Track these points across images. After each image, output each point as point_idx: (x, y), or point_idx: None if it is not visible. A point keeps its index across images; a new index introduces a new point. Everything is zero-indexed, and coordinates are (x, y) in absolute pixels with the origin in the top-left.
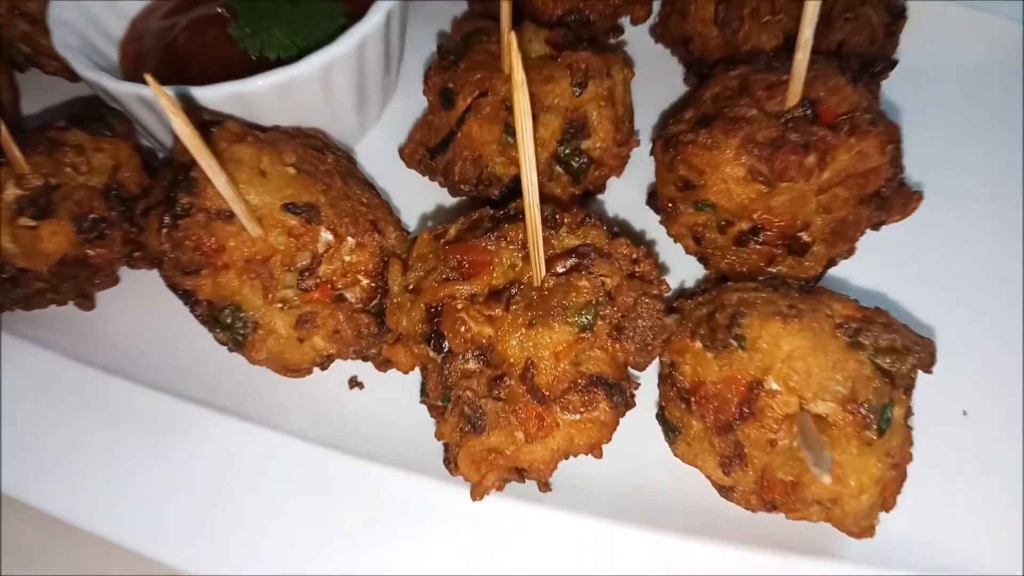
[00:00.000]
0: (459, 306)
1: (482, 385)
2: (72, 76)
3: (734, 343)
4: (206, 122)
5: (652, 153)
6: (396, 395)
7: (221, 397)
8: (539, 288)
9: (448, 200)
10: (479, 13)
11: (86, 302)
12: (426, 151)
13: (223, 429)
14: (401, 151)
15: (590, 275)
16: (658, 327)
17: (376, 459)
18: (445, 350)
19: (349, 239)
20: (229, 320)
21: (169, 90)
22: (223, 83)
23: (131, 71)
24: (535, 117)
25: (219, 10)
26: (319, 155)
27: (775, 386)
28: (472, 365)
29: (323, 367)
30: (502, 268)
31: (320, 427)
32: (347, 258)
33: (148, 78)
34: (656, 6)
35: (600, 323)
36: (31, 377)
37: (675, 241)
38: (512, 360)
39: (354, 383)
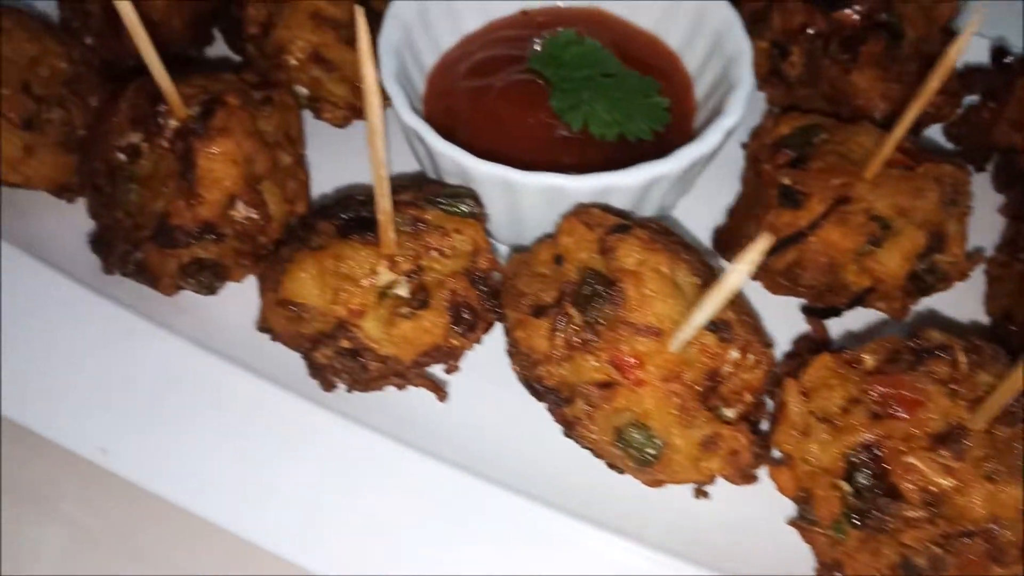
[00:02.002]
0: (904, 448)
1: (933, 536)
2: (343, 123)
3: None
4: (620, 225)
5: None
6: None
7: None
8: (986, 436)
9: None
10: (789, 106)
11: (441, 392)
12: None
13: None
14: (719, 245)
15: None
16: None
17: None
18: (877, 490)
19: (750, 356)
20: (637, 438)
21: (528, 176)
22: (593, 175)
23: (441, 132)
24: (898, 230)
25: (528, 75)
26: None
27: None
28: (920, 513)
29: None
30: (933, 409)
31: (650, 528)
32: (744, 376)
33: None
34: None
35: None
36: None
37: None
38: (974, 516)
39: (700, 492)
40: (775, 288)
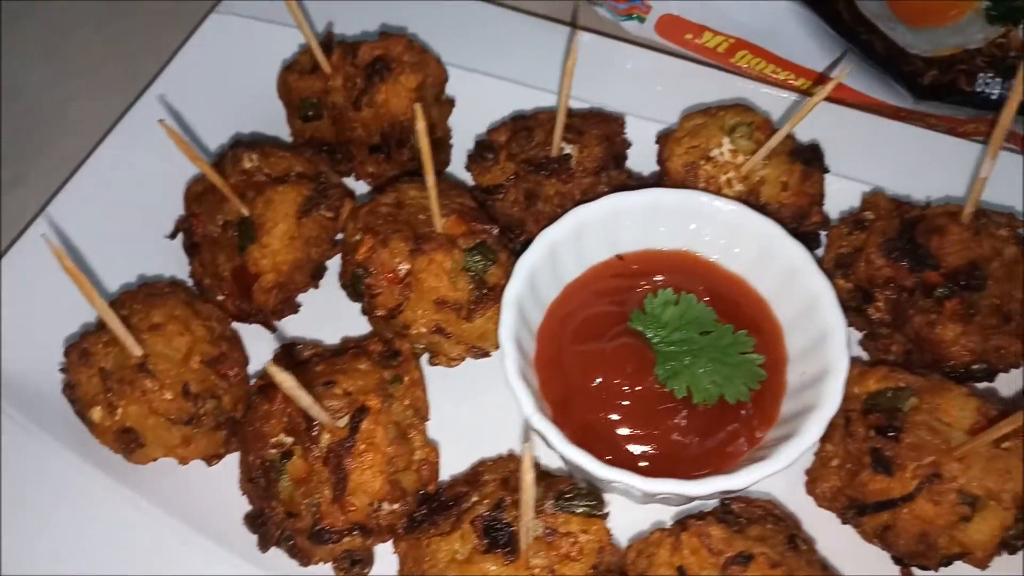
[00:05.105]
0: None
1: None
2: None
3: None
4: (741, 556)
5: None
6: None
7: None
8: None
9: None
10: (877, 360)
11: None
12: (851, 505)
13: None
14: (812, 490)
15: None
16: None
17: None
18: None
19: None
20: None
21: (654, 484)
22: (711, 481)
23: (555, 402)
24: (988, 508)
25: (631, 339)
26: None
27: None
28: None
29: None
30: None
31: None
32: None
33: None
34: None
35: None
36: None
37: None
38: None
39: None
40: (868, 539)
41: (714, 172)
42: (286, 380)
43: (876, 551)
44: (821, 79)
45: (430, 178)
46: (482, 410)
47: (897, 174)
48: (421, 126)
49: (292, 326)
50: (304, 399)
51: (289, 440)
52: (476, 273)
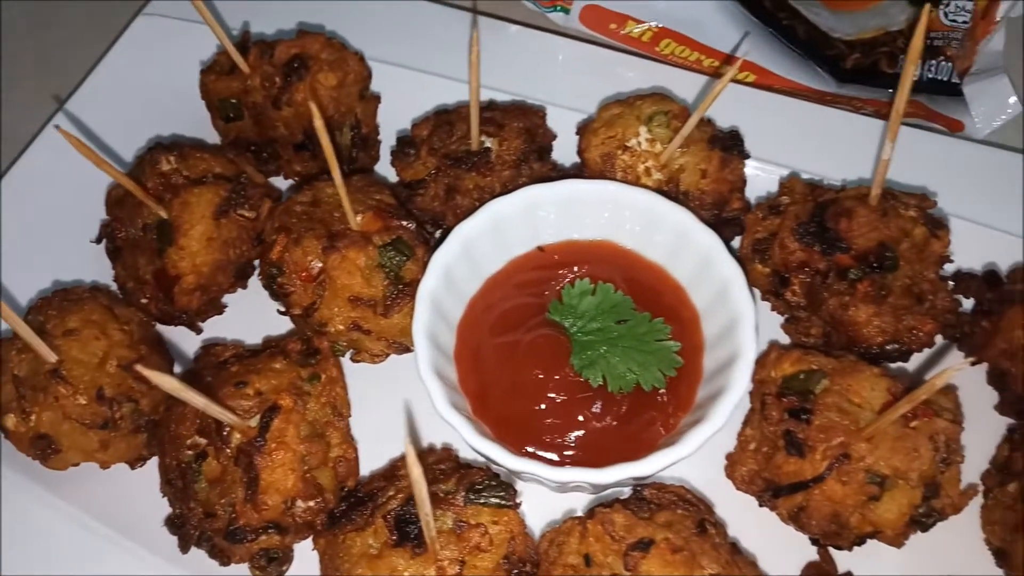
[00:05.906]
0: None
1: None
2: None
3: None
4: (641, 543)
5: None
6: None
7: None
8: None
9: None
10: (794, 344)
11: None
12: (767, 487)
13: None
14: (731, 473)
15: None
16: None
17: None
18: None
19: None
20: None
21: (562, 472)
22: (617, 467)
23: (474, 394)
24: (896, 487)
25: (549, 329)
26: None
27: None
28: None
29: None
30: None
31: None
32: None
33: None
34: None
35: None
36: None
37: None
38: None
39: None
40: (785, 521)
41: (632, 162)
42: (166, 382)
43: (795, 533)
44: (743, 65)
45: (337, 175)
46: (408, 405)
47: (818, 157)
48: (319, 124)
49: (219, 327)
50: (197, 400)
51: (203, 441)
52: (391, 269)
